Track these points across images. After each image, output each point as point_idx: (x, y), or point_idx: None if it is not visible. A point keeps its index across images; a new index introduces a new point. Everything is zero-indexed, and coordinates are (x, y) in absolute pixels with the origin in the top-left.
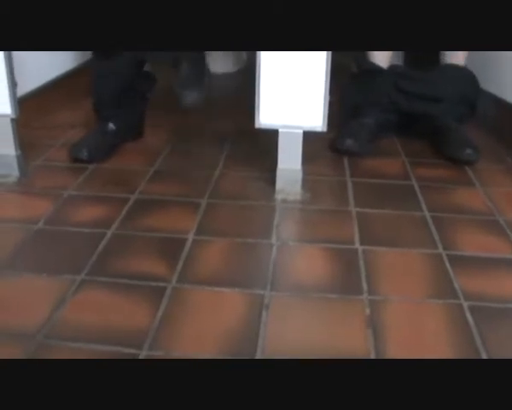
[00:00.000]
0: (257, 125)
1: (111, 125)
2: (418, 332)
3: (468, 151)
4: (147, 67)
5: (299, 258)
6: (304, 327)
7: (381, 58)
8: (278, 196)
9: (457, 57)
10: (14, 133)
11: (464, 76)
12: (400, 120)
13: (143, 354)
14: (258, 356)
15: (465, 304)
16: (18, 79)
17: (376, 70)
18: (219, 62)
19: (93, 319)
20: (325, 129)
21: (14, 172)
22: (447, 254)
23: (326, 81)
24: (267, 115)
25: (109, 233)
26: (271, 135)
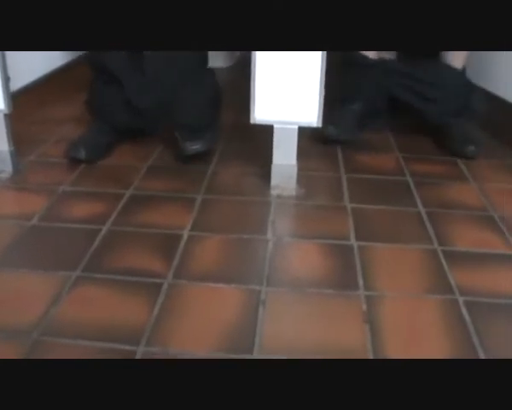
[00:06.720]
0: (252, 121)
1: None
2: (414, 327)
3: (472, 148)
4: None
5: (295, 254)
6: (300, 323)
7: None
8: (273, 192)
9: (457, 58)
10: (7, 129)
11: (457, 81)
12: (388, 106)
13: (140, 351)
14: (256, 351)
15: (460, 299)
16: (11, 73)
17: (364, 61)
18: (212, 57)
19: (89, 316)
20: (320, 125)
21: (7, 168)
22: (442, 250)
23: (321, 77)
24: (262, 111)
25: (104, 229)
26: (266, 131)
